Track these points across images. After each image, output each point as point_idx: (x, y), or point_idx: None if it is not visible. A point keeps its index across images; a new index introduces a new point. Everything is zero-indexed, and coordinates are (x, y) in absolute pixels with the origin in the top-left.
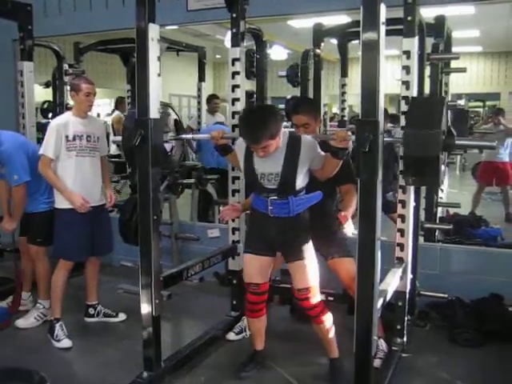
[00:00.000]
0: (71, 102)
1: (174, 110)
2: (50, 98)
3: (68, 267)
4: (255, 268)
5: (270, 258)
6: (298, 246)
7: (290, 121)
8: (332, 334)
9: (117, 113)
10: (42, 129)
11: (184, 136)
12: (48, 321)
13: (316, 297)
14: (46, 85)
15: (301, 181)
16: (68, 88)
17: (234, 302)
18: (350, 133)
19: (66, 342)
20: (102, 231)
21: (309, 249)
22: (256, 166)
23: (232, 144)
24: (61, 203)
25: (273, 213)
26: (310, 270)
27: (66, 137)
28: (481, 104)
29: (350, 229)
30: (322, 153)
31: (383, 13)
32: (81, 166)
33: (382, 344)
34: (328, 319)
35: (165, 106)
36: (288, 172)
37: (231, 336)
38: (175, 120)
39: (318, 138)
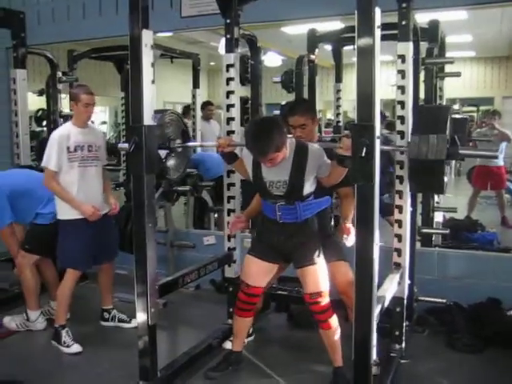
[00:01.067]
0: (65, 110)
1: (182, 120)
2: (44, 106)
3: (75, 276)
4: (252, 270)
5: (272, 265)
6: (308, 251)
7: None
8: (338, 340)
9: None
10: (35, 137)
11: (191, 144)
12: (32, 330)
13: (326, 302)
14: (40, 93)
15: (308, 187)
16: (62, 96)
17: (231, 310)
18: None
19: (75, 347)
20: (107, 238)
21: (319, 254)
22: (264, 174)
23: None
24: (64, 214)
25: (281, 218)
26: (320, 274)
27: (68, 148)
28: (474, 109)
29: (351, 240)
30: (329, 161)
31: (378, 16)
32: (84, 176)
33: None
34: (335, 325)
35: (173, 114)
36: (295, 180)
37: (228, 345)
38: (182, 130)
39: (324, 146)
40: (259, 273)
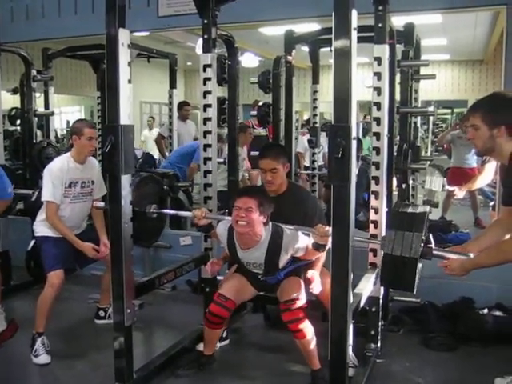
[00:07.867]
0: (40, 109)
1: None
2: (18, 105)
3: (56, 283)
4: (234, 285)
5: (253, 289)
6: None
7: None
8: (313, 346)
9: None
10: (9, 136)
11: (166, 211)
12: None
13: (301, 310)
14: (14, 91)
15: (284, 262)
16: (37, 95)
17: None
18: (330, 229)
19: (43, 358)
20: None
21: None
22: (240, 255)
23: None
24: (46, 232)
25: (264, 280)
26: (296, 284)
27: (64, 183)
28: (449, 111)
29: (317, 288)
30: (304, 243)
31: (355, 18)
32: (72, 212)
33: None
34: (309, 332)
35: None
36: (270, 262)
37: (201, 346)
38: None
39: (299, 229)
40: (239, 289)
